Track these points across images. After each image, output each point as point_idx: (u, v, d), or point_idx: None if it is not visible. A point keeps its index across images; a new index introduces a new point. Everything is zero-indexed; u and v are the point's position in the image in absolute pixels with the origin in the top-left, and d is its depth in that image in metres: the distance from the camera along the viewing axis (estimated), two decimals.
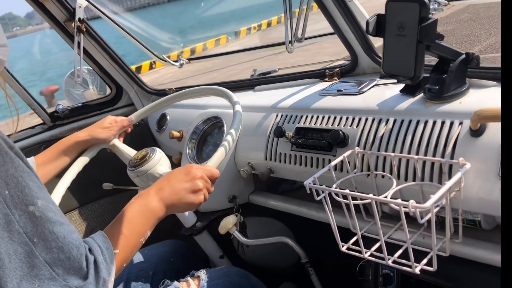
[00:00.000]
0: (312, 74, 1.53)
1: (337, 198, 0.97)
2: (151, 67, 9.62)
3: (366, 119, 1.15)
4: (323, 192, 0.99)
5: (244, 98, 1.64)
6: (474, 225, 1.03)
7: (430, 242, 0.92)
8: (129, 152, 1.47)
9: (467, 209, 0.95)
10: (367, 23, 1.02)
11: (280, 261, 1.77)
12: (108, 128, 1.43)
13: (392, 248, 1.00)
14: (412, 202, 0.81)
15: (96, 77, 2.20)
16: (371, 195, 0.89)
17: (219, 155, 1.15)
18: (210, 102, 1.70)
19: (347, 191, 0.93)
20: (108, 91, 2.09)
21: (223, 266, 1.38)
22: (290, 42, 1.21)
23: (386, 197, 0.91)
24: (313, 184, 1.02)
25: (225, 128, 1.55)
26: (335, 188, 1.02)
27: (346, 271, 1.25)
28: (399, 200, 0.84)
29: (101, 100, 2.08)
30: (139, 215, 0.94)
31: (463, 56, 1.03)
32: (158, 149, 1.43)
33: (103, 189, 1.73)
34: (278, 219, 1.68)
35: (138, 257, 1.42)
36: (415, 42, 0.95)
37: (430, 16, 0.99)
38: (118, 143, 1.49)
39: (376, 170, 1.09)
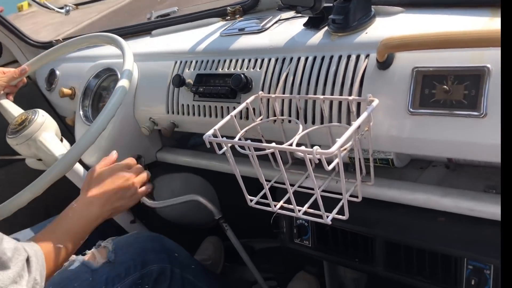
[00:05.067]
0: (212, 13, 1.38)
1: (241, 150, 0.87)
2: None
3: (270, 60, 1.04)
4: (225, 145, 0.88)
5: (140, 44, 1.46)
6: (387, 164, 0.98)
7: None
8: (17, 113, 1.27)
9: (378, 148, 0.89)
10: None
11: (201, 216, 1.68)
12: None
13: (305, 197, 0.92)
14: (316, 149, 0.72)
15: None
16: (273, 144, 0.79)
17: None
18: (102, 52, 1.50)
19: (248, 141, 0.83)
20: None
21: (133, 232, 1.26)
22: None
23: (291, 144, 0.82)
24: (214, 137, 0.90)
25: None
26: (239, 139, 0.91)
27: (263, 223, 1.17)
28: (302, 148, 0.75)
29: None
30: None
31: None
32: (41, 111, 1.24)
33: None
34: (196, 173, 1.57)
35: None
36: None
37: None
38: (5, 101, 1.27)
39: (282, 114, 0.99)
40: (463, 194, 0.84)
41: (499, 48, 0.67)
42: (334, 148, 0.71)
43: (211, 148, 0.91)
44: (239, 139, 0.91)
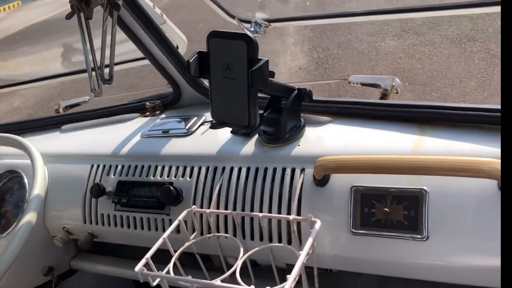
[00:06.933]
0: (130, 108, 1.30)
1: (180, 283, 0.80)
2: None
3: (200, 168, 0.99)
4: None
5: (49, 142, 1.33)
6: (325, 271, 0.96)
7: None
8: None
9: (322, 266, 0.87)
10: (188, 63, 0.85)
11: None
12: None
13: None
14: None
15: None
16: (218, 283, 0.73)
17: None
18: (2, 151, 1.34)
19: (189, 277, 0.76)
20: None
21: None
22: (97, 84, 0.95)
23: (234, 272, 0.76)
24: (146, 269, 0.82)
25: (26, 183, 1.23)
26: (173, 264, 0.84)
27: None
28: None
29: None
30: None
31: (296, 92, 0.93)
32: None
33: None
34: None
35: None
36: (246, 87, 0.81)
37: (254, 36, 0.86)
38: None
39: (218, 229, 0.94)
40: None
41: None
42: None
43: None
44: (174, 263, 0.84)
